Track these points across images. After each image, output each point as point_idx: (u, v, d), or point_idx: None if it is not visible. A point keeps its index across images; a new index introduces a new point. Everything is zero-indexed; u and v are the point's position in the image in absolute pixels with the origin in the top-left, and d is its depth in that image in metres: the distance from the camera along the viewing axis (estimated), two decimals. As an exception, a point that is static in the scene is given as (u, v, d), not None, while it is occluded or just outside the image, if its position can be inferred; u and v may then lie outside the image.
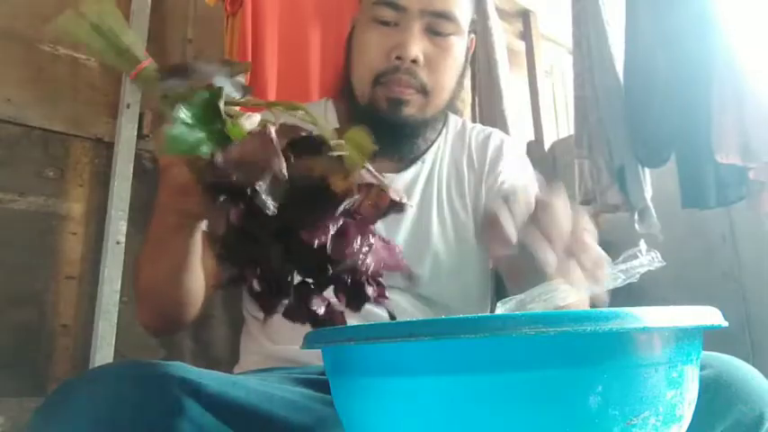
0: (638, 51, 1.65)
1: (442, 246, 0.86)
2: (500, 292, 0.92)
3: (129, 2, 1.61)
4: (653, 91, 1.60)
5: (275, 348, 0.83)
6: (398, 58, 0.81)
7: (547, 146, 2.35)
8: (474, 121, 2.35)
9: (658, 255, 0.46)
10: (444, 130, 0.96)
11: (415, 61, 0.81)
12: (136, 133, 1.53)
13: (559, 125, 2.67)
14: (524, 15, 2.52)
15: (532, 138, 2.38)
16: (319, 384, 0.68)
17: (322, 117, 0.93)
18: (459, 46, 0.85)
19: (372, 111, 0.83)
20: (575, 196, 1.82)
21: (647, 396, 0.38)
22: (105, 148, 1.51)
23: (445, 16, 0.82)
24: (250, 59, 1.52)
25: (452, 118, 0.98)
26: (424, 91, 0.83)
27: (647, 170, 1.69)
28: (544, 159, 2.31)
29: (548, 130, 2.40)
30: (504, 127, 2.09)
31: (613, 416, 0.37)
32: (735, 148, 1.39)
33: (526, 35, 2.51)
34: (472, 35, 0.91)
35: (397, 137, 0.84)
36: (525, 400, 0.37)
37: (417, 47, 0.80)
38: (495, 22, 2.23)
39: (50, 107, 1.46)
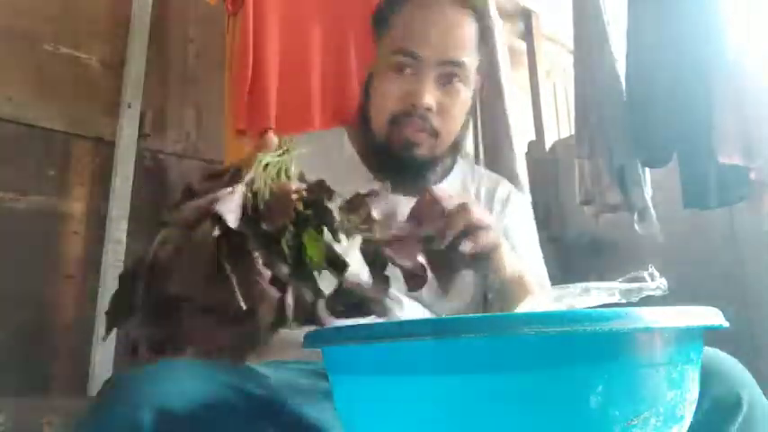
0: (639, 51, 1.65)
1: None
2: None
3: (131, 1, 1.62)
4: (655, 91, 1.60)
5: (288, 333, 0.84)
6: (413, 104, 0.89)
7: (548, 146, 2.35)
8: (475, 120, 2.35)
9: (665, 283, 0.46)
10: (455, 170, 1.05)
11: (429, 109, 0.90)
12: (137, 133, 1.53)
13: (560, 125, 2.67)
14: (526, 15, 2.52)
15: (533, 137, 2.38)
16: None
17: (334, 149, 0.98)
18: (468, 90, 0.95)
19: (388, 148, 0.92)
20: (576, 196, 1.83)
21: (648, 396, 0.37)
22: (106, 148, 1.51)
23: (457, 64, 0.91)
24: (251, 59, 1.52)
25: (461, 162, 1.08)
26: (435, 134, 0.92)
27: (647, 170, 1.68)
28: (545, 159, 2.31)
29: (549, 129, 2.40)
30: (505, 127, 2.09)
31: (614, 416, 0.36)
32: (736, 148, 1.39)
33: (527, 35, 2.50)
34: (478, 79, 1.01)
35: (409, 173, 0.93)
36: (525, 400, 0.37)
37: (431, 96, 0.89)
38: (497, 22, 2.23)
39: (51, 106, 1.47)
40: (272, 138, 0.56)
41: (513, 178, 2.01)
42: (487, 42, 1.01)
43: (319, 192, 0.55)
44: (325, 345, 0.45)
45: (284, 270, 0.51)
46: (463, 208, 0.63)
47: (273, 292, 0.49)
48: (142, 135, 1.55)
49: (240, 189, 0.50)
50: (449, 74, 0.91)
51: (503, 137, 2.08)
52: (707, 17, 1.49)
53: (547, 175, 2.28)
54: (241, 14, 1.55)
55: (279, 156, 0.55)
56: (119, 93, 1.55)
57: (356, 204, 0.57)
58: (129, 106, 1.52)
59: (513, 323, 0.36)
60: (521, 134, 2.16)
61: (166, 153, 1.63)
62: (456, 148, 1.02)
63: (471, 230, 0.63)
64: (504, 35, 2.24)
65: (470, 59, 0.94)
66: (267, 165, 0.53)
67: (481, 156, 2.20)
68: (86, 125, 1.51)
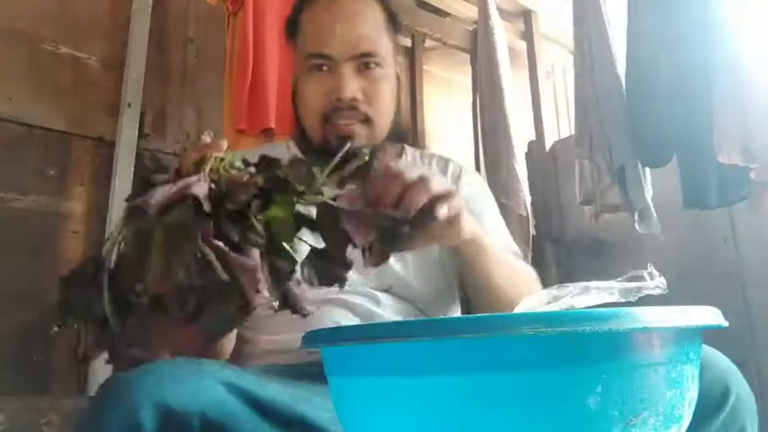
0: (639, 51, 1.65)
1: (408, 254, 0.93)
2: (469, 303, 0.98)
3: (131, 1, 1.62)
4: (654, 91, 1.60)
5: (273, 339, 0.84)
6: (338, 99, 0.90)
7: (548, 146, 2.34)
8: (475, 120, 2.35)
9: (664, 282, 0.46)
10: (404, 157, 1.06)
11: (354, 99, 0.91)
12: (137, 132, 1.53)
13: (560, 125, 2.67)
14: (526, 15, 2.52)
15: (533, 137, 2.38)
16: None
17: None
18: (389, 74, 0.96)
19: (326, 147, 0.92)
20: (576, 196, 1.83)
21: (647, 396, 0.37)
22: (106, 147, 1.51)
23: (369, 55, 0.92)
24: (251, 58, 1.52)
25: (409, 150, 1.08)
26: (368, 121, 0.93)
27: (647, 170, 1.68)
28: (545, 159, 2.31)
29: (549, 129, 2.39)
30: (504, 126, 2.09)
31: (613, 416, 0.36)
32: (736, 148, 1.39)
33: (527, 35, 2.50)
34: (400, 61, 1.02)
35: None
36: (525, 400, 0.37)
37: (352, 86, 0.90)
38: (497, 22, 2.23)
39: (52, 106, 1.47)
40: (223, 142, 0.58)
41: (512, 178, 2.02)
42: (399, 25, 1.01)
43: (266, 165, 0.56)
44: (324, 345, 0.45)
45: (258, 241, 0.52)
46: (422, 180, 0.62)
47: (251, 263, 0.50)
48: (142, 135, 1.55)
49: (204, 177, 0.52)
50: (365, 63, 0.92)
51: (502, 137, 2.09)
52: (707, 17, 1.49)
53: (547, 175, 2.28)
54: (241, 14, 1.55)
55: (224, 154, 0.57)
56: (119, 93, 1.55)
57: (296, 167, 0.57)
58: (129, 106, 1.53)
59: (513, 323, 0.36)
60: (521, 134, 2.17)
61: (166, 153, 1.63)
62: (400, 135, 1.03)
63: (439, 199, 0.63)
64: (504, 35, 2.25)
65: (383, 48, 0.94)
66: (221, 159, 0.55)
67: (481, 156, 2.21)
68: (86, 125, 1.51)
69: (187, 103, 1.71)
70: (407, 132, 1.07)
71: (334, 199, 0.57)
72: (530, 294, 0.83)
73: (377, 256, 0.60)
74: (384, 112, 0.94)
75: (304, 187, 0.56)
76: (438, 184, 0.63)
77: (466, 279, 0.89)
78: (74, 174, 1.48)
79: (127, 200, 0.53)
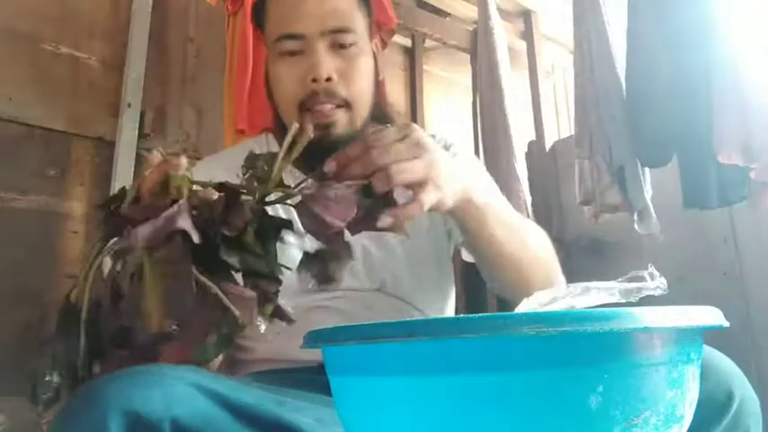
0: (639, 51, 1.65)
1: (397, 245, 0.90)
2: (470, 294, 0.94)
3: (131, 1, 1.62)
4: (654, 91, 1.60)
5: (266, 347, 0.83)
6: (314, 80, 0.85)
7: (548, 145, 2.35)
8: (475, 120, 2.35)
9: (665, 283, 0.46)
10: None
11: (329, 79, 0.86)
12: (137, 132, 1.53)
13: (560, 125, 2.67)
14: (526, 15, 2.52)
15: (533, 137, 2.38)
16: (317, 384, 0.68)
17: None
18: (366, 52, 0.91)
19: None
20: (576, 196, 1.83)
21: (648, 396, 0.37)
22: (106, 147, 1.51)
23: (343, 30, 0.87)
24: (251, 58, 1.52)
25: None
26: (346, 104, 0.88)
27: (647, 170, 1.69)
28: (545, 159, 2.31)
29: (548, 129, 2.40)
30: (504, 126, 2.10)
31: (614, 416, 0.36)
32: (736, 148, 1.39)
33: (527, 35, 2.51)
34: (375, 40, 0.97)
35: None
36: (525, 400, 0.37)
37: (327, 66, 0.85)
38: (497, 22, 2.23)
39: (52, 106, 1.47)
40: (181, 159, 0.56)
41: (512, 178, 2.02)
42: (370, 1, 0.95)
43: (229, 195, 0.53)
44: (325, 345, 0.45)
45: (259, 265, 0.50)
46: (386, 171, 0.57)
47: (249, 293, 0.49)
48: (142, 135, 1.55)
49: (184, 205, 0.49)
50: (339, 42, 0.87)
51: (502, 137, 2.09)
52: (707, 17, 1.49)
53: (547, 175, 2.28)
54: (241, 14, 1.55)
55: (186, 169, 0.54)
56: (119, 93, 1.55)
57: (252, 162, 0.55)
58: (129, 106, 1.53)
59: (514, 323, 0.36)
60: (521, 134, 2.17)
61: (166, 153, 1.63)
62: (383, 118, 0.98)
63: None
64: (504, 35, 2.25)
65: (356, 23, 0.89)
66: (184, 177, 0.53)
67: (481, 156, 2.21)
68: (86, 125, 1.51)
69: (187, 103, 1.71)
70: (392, 116, 1.02)
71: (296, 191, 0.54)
72: (539, 257, 0.81)
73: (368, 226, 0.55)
74: (362, 93, 0.89)
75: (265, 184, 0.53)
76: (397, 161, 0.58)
77: (470, 250, 0.84)
78: (74, 174, 1.48)
79: (99, 238, 0.51)
